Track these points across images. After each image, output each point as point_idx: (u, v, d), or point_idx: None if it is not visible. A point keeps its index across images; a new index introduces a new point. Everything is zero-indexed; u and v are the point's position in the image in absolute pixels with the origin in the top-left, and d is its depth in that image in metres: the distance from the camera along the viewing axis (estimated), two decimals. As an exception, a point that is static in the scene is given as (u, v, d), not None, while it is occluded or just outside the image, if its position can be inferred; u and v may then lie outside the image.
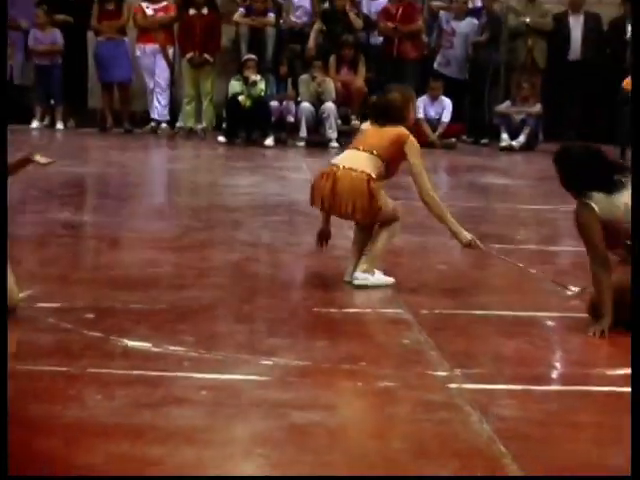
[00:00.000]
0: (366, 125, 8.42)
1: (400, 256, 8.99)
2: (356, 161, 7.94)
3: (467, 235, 7.99)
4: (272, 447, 4.84)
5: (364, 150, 7.99)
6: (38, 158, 7.41)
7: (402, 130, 8.07)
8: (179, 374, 5.75)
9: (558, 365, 6.59)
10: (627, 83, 7.06)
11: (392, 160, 8.03)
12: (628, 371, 6.15)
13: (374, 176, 7.87)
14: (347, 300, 7.56)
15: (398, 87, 8.44)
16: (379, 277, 7.98)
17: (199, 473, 4.53)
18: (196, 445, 4.82)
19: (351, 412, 5.56)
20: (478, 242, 8.04)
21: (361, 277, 7.91)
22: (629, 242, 6.78)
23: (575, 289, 7.96)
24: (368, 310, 7.33)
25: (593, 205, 6.83)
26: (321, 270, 8.36)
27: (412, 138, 8.07)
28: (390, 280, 8.02)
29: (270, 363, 5.97)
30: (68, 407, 5.25)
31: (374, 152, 7.95)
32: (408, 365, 6.09)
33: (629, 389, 5.91)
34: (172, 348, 6.16)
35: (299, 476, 4.03)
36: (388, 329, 6.89)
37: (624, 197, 6.82)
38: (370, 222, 8.08)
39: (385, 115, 8.15)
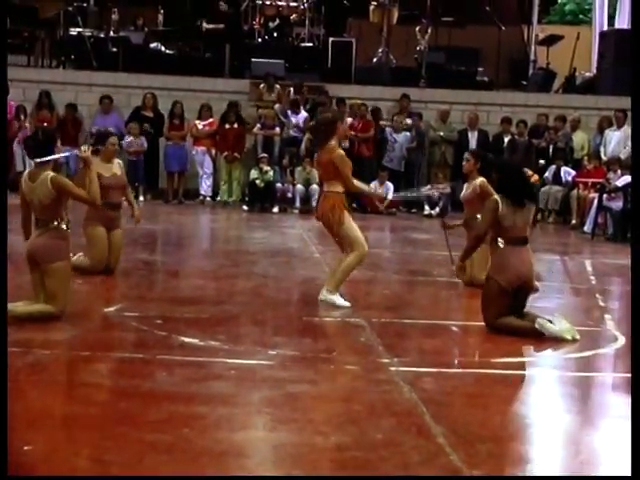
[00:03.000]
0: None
1: (358, 284, 8.95)
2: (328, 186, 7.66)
3: (381, 193, 7.87)
4: (275, 407, 4.82)
5: (327, 179, 7.65)
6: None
7: (331, 153, 7.46)
8: (216, 360, 5.72)
9: (459, 356, 6.56)
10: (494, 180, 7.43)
11: (336, 174, 7.48)
12: (505, 360, 6.15)
13: (336, 191, 7.47)
14: (324, 312, 7.51)
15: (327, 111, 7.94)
16: (335, 299, 7.53)
17: (229, 424, 4.51)
18: (227, 406, 4.80)
19: (326, 385, 5.52)
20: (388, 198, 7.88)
21: (324, 294, 7.60)
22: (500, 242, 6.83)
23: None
24: (338, 319, 7.28)
25: (500, 205, 6.78)
26: (307, 293, 8.32)
27: (342, 157, 7.47)
28: (345, 304, 7.50)
29: (274, 353, 5.94)
30: (144, 381, 5.22)
31: (328, 178, 7.60)
32: (364, 355, 6.07)
33: (507, 371, 5.92)
34: (212, 342, 6.13)
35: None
36: (351, 331, 6.86)
37: (521, 214, 6.82)
38: (332, 233, 7.63)
39: (316, 135, 7.70)
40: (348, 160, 7.62)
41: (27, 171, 6.78)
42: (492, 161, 7.38)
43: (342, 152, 7.63)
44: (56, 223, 6.54)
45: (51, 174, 6.53)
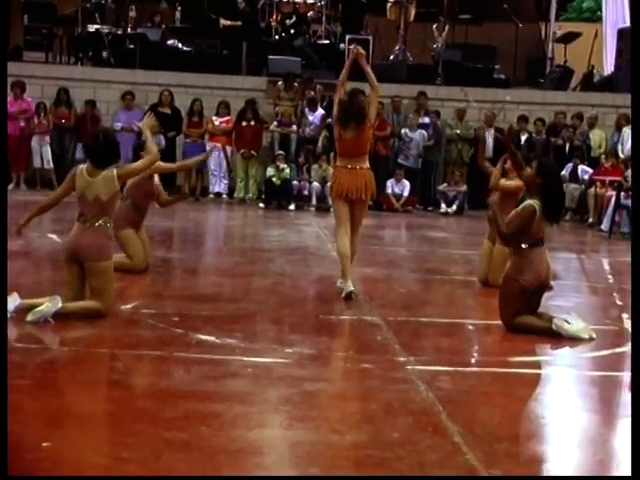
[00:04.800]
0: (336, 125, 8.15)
1: (375, 282, 8.96)
2: (361, 162, 8.05)
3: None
4: (292, 406, 4.82)
5: (362, 154, 8.08)
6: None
7: (370, 125, 8.15)
8: (233, 357, 5.73)
9: (476, 354, 6.54)
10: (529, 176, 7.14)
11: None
12: (522, 358, 6.13)
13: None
14: (340, 310, 7.51)
15: (357, 92, 8.20)
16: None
17: (245, 423, 4.51)
18: (243, 404, 4.81)
19: (343, 384, 5.53)
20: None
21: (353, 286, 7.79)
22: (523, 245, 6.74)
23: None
24: (354, 317, 7.28)
25: (537, 210, 6.72)
26: (324, 291, 8.32)
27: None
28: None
29: (291, 351, 5.95)
30: (161, 378, 5.24)
31: (365, 153, 8.11)
32: (380, 353, 6.06)
33: (524, 370, 5.91)
34: (228, 340, 6.14)
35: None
36: (367, 330, 6.85)
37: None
38: (357, 211, 7.99)
39: (361, 117, 7.95)
40: None
41: (86, 165, 6.65)
42: (542, 162, 7.12)
43: None
44: (102, 222, 6.53)
45: (116, 169, 6.53)
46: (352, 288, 7.76)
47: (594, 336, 6.65)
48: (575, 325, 6.64)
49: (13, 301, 6.27)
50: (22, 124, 16.13)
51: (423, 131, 16.70)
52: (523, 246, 6.76)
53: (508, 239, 6.96)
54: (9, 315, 6.18)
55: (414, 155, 16.77)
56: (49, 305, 6.23)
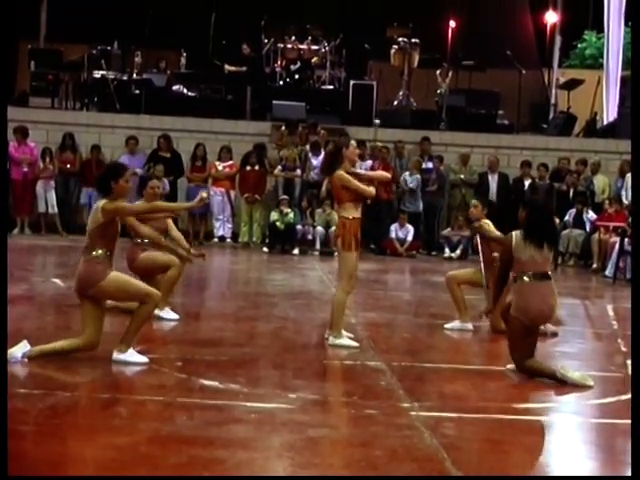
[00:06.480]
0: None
1: (378, 327, 8.95)
2: (340, 211, 7.85)
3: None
4: (295, 452, 4.80)
5: (338, 202, 7.84)
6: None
7: (336, 176, 7.56)
8: (236, 403, 5.71)
9: (481, 401, 6.49)
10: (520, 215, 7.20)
11: (346, 194, 7.60)
12: (527, 405, 6.12)
13: (349, 216, 7.59)
14: (344, 355, 7.50)
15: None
16: (342, 341, 7.65)
17: (249, 469, 4.49)
18: (247, 450, 4.78)
19: (347, 430, 5.51)
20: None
21: (330, 339, 7.71)
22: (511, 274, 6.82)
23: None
24: (358, 362, 7.26)
25: (513, 238, 6.80)
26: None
27: (341, 175, 7.52)
28: (353, 344, 7.63)
29: (294, 396, 5.93)
30: (164, 424, 5.22)
31: (339, 201, 7.77)
32: (384, 399, 6.04)
33: (528, 417, 5.88)
34: (232, 385, 6.12)
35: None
36: (371, 375, 6.83)
37: (540, 251, 6.76)
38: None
39: (325, 167, 7.96)
40: (347, 176, 7.62)
41: None
42: (527, 199, 7.36)
43: (341, 171, 7.62)
44: (95, 253, 6.47)
45: (103, 201, 6.50)
46: (326, 335, 7.78)
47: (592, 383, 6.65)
48: (578, 372, 6.63)
49: (22, 348, 6.30)
50: (25, 169, 16.22)
51: (418, 176, 16.76)
52: (525, 279, 6.76)
53: (502, 278, 7.02)
54: (17, 360, 6.21)
55: (412, 200, 16.81)
56: (16, 349, 6.29)
